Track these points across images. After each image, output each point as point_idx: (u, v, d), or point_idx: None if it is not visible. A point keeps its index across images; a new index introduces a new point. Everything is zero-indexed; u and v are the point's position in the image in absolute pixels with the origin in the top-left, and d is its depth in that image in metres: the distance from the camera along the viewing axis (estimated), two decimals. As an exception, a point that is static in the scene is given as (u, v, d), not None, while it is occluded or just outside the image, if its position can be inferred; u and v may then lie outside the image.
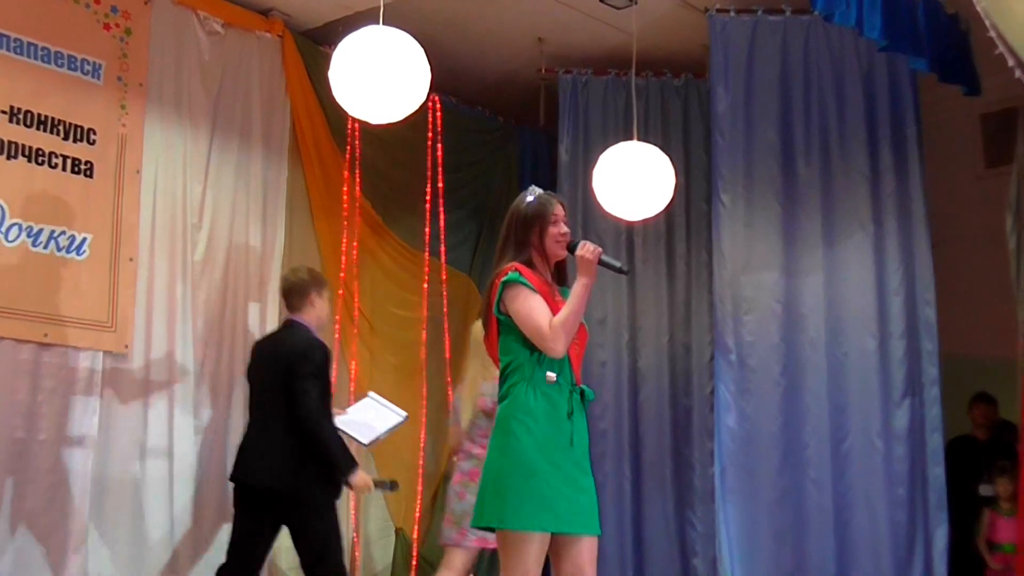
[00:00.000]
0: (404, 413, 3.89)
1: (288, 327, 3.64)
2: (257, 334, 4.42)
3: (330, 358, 3.47)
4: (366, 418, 3.61)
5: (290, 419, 3.33)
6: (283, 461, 3.29)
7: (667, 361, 5.00)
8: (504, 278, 2.40)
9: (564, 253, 2.50)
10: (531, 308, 2.36)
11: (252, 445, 3.40)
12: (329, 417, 3.40)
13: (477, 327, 3.39)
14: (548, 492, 2.28)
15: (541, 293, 2.41)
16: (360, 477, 3.34)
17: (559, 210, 2.53)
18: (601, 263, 2.42)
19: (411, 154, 5.18)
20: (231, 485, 3.53)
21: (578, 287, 2.39)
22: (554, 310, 2.40)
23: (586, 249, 2.42)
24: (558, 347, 2.33)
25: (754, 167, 4.68)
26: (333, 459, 3.29)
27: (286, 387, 3.35)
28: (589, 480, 2.38)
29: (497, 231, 5.72)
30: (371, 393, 3.94)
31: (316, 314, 3.62)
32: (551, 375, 2.36)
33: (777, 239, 4.53)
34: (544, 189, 2.58)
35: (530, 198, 2.50)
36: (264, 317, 4.49)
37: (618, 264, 2.43)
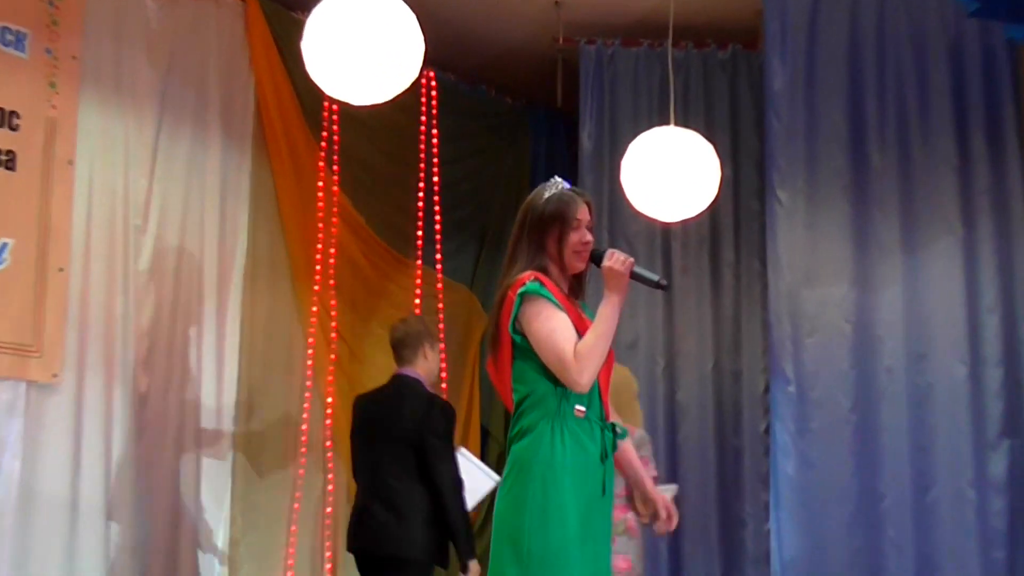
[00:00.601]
0: (497, 476, 4.00)
1: (401, 382, 3.85)
2: (213, 360, 4.51)
3: (455, 418, 3.77)
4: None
5: (420, 485, 3.58)
6: (415, 532, 3.54)
7: (711, 393, 5.02)
8: (522, 289, 2.36)
9: (584, 265, 2.46)
10: (553, 329, 2.33)
11: (377, 514, 3.61)
12: (462, 487, 3.63)
13: (621, 373, 3.52)
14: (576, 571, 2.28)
15: (567, 309, 2.38)
16: (476, 566, 3.59)
17: (584, 212, 2.49)
18: (634, 276, 2.38)
19: (400, 142, 5.23)
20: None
21: (606, 306, 2.36)
22: (581, 330, 2.37)
23: (615, 260, 2.38)
24: (583, 379, 2.30)
25: (818, 156, 4.62)
26: (460, 536, 3.56)
27: (415, 451, 3.57)
28: (608, 548, 2.38)
29: (505, 235, 5.76)
30: (461, 449, 4.07)
31: (428, 368, 3.90)
32: (580, 409, 2.34)
33: (846, 244, 4.52)
34: (563, 181, 2.55)
35: (550, 193, 2.47)
36: (222, 340, 4.50)
37: (655, 277, 2.39)
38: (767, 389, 4.77)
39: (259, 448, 4.65)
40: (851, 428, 4.33)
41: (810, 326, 4.44)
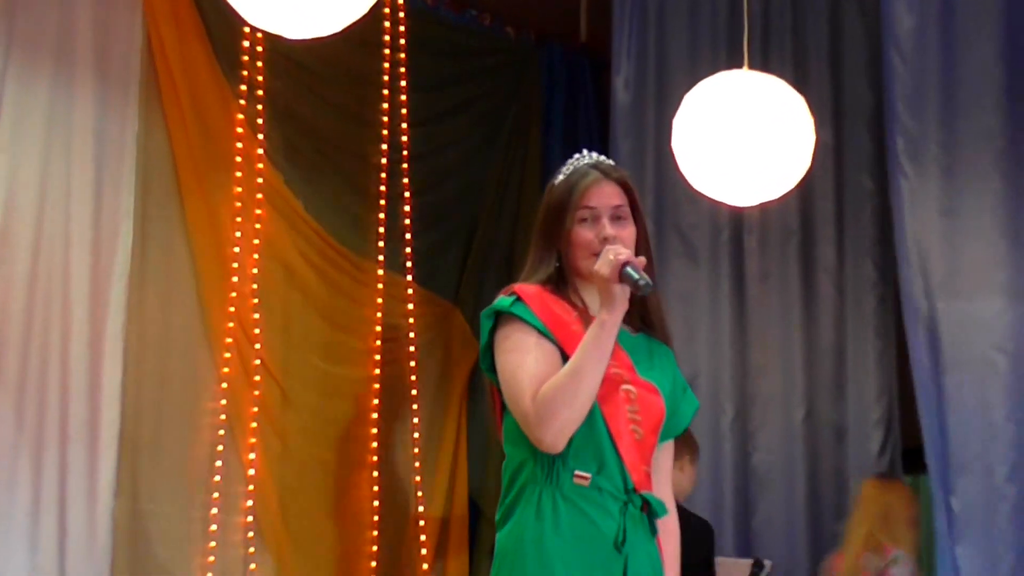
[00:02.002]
0: None
1: None
2: (83, 404, 4.50)
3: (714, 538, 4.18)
4: None
5: None
6: None
7: (804, 452, 5.02)
8: (489, 308, 2.45)
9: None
10: (517, 365, 2.38)
11: None
12: None
13: (896, 492, 3.96)
14: None
15: (561, 331, 2.40)
16: None
17: (597, 195, 2.49)
18: (623, 279, 2.36)
19: (355, 93, 5.29)
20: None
21: (592, 327, 2.36)
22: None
23: (604, 259, 2.38)
24: (547, 435, 2.33)
25: (958, 115, 4.50)
26: None
27: None
28: None
29: (502, 226, 5.96)
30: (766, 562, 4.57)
31: (682, 483, 4.29)
32: (581, 475, 2.38)
33: (999, 239, 4.42)
34: (592, 153, 2.57)
35: (561, 176, 2.53)
36: (98, 363, 4.55)
37: (635, 276, 2.35)
38: (884, 449, 4.79)
39: (149, 532, 4.62)
40: (1009, 506, 4.26)
41: (951, 356, 4.37)
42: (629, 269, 2.34)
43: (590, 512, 2.36)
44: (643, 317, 2.53)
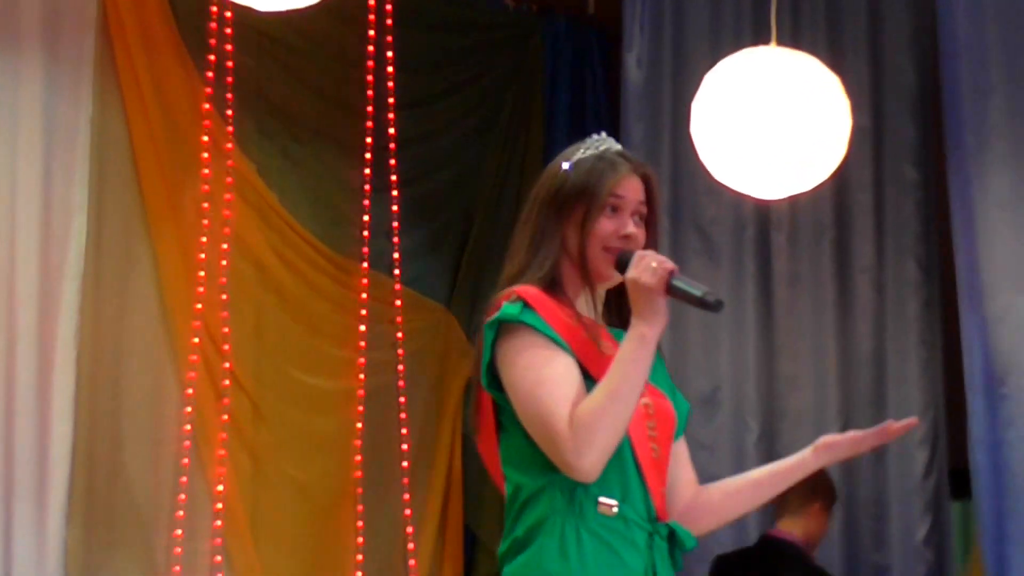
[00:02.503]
0: None
1: (773, 546, 4.55)
2: (33, 402, 4.46)
3: None
4: None
5: None
6: None
7: (838, 475, 4.94)
8: (496, 315, 2.42)
9: (610, 271, 2.49)
10: (539, 381, 2.38)
11: None
12: None
13: None
14: None
15: (573, 342, 2.42)
16: None
17: (630, 188, 2.51)
18: (672, 291, 2.37)
19: (336, 72, 5.26)
20: None
21: (629, 343, 2.38)
22: (600, 376, 2.40)
23: (643, 266, 2.39)
24: (584, 462, 2.34)
25: None
26: None
27: None
28: None
29: (502, 222, 5.93)
30: None
31: (811, 530, 4.60)
32: (607, 503, 2.38)
33: None
34: (610, 139, 2.60)
35: (583, 155, 2.53)
36: (47, 373, 4.50)
37: (700, 293, 2.37)
38: (929, 471, 4.74)
39: (105, 564, 4.63)
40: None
41: (1004, 372, 4.37)
42: (681, 282, 2.36)
43: (616, 546, 2.37)
44: (621, 309, 2.52)
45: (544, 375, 2.35)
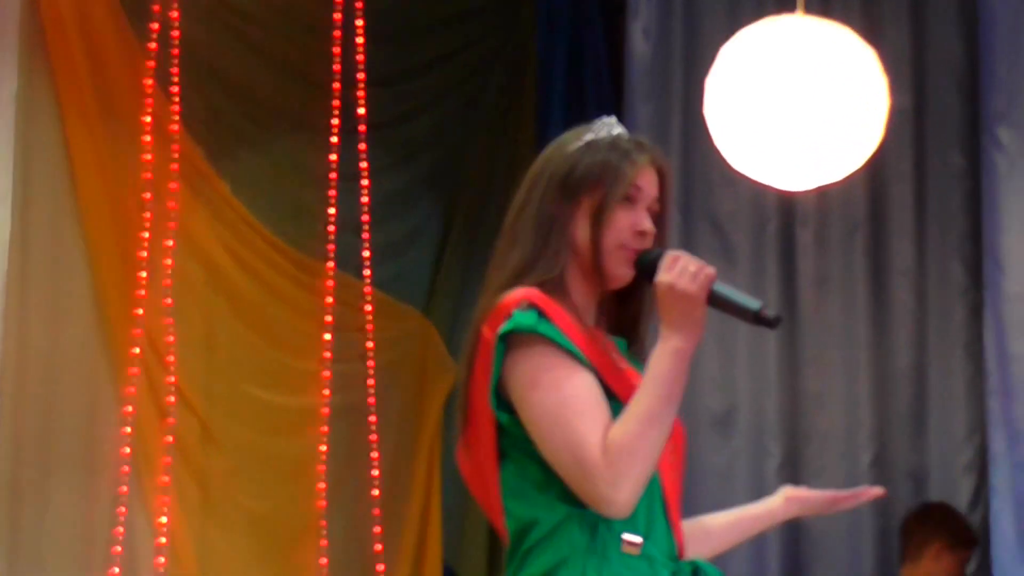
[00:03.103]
0: None
1: None
2: None
3: None
4: None
5: None
6: None
7: (872, 506, 4.98)
8: (507, 326, 2.41)
9: (628, 271, 2.52)
10: (564, 402, 2.39)
11: None
12: None
13: None
14: None
15: (591, 356, 2.44)
16: None
17: (648, 179, 2.54)
18: (715, 302, 2.40)
19: (296, 42, 5.24)
20: None
21: (663, 358, 2.41)
22: (620, 394, 2.43)
23: (678, 270, 2.41)
24: (620, 495, 2.36)
25: None
26: None
27: None
28: None
29: (489, 213, 5.94)
30: None
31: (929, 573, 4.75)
32: (632, 540, 2.41)
33: None
34: (620, 124, 2.62)
35: (596, 136, 2.55)
36: None
37: (755, 306, 2.41)
38: (976, 501, 4.77)
39: None
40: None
41: None
42: (724, 289, 2.38)
43: None
44: (622, 320, 2.55)
45: (568, 396, 2.36)
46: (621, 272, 2.47)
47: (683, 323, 2.37)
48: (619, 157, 2.49)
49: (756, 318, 2.38)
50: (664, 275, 2.38)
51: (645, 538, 2.39)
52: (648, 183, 2.50)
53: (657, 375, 2.35)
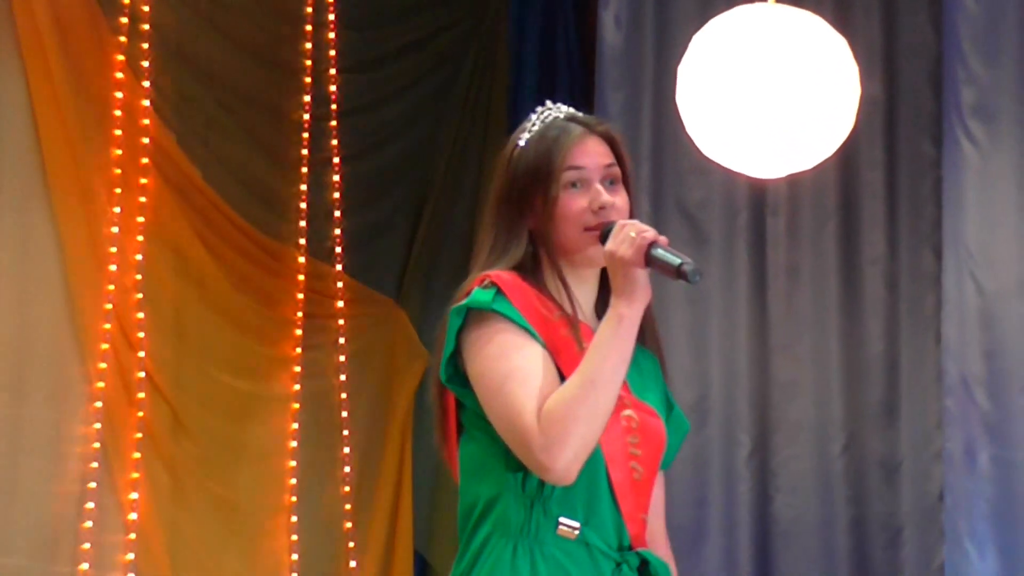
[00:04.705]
0: None
1: None
2: None
3: None
4: None
5: None
6: None
7: (843, 495, 5.02)
8: (464, 301, 2.45)
9: (599, 250, 2.50)
10: (507, 373, 2.40)
11: None
12: None
13: None
14: None
15: (547, 337, 2.45)
16: None
17: (584, 153, 2.54)
18: (652, 262, 2.42)
19: (267, 27, 5.24)
20: None
21: (606, 324, 2.42)
22: None
23: (623, 236, 2.42)
24: (557, 462, 2.35)
25: None
26: None
27: None
28: None
29: (461, 200, 5.95)
30: None
31: None
32: (568, 524, 2.41)
33: None
34: (567, 106, 2.62)
35: (528, 134, 2.57)
36: None
37: (676, 261, 2.41)
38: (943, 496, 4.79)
39: None
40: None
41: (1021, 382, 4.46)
42: (660, 250, 2.38)
43: (574, 572, 2.39)
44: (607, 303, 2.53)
45: (514, 365, 2.37)
46: (595, 254, 2.48)
47: (625, 288, 2.38)
48: (549, 146, 2.49)
49: (677, 273, 2.38)
50: (609, 243, 2.40)
51: (584, 524, 2.40)
52: (590, 155, 2.50)
53: (597, 342, 2.36)
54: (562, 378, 2.40)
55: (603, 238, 2.45)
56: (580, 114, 2.57)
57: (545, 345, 2.41)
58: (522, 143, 2.52)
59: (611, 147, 2.51)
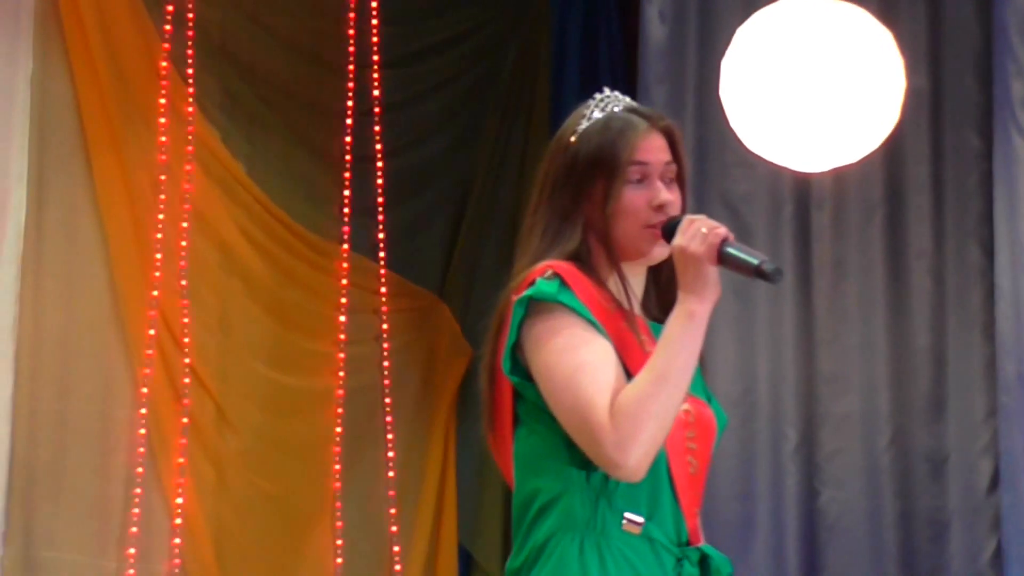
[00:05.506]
0: None
1: None
2: None
3: None
4: None
5: None
6: None
7: (889, 489, 5.03)
8: (527, 292, 2.43)
9: (661, 249, 2.50)
10: (577, 366, 2.39)
11: None
12: None
13: None
14: None
15: (610, 331, 2.44)
16: None
17: (651, 148, 2.52)
18: (724, 260, 2.41)
19: (309, 24, 5.26)
20: None
21: (677, 321, 2.41)
22: (640, 369, 2.42)
23: (692, 232, 2.41)
24: (628, 458, 2.35)
25: None
26: None
27: None
28: None
29: (501, 198, 5.85)
30: None
31: None
32: (633, 519, 2.40)
33: None
34: (617, 93, 2.61)
35: (589, 121, 2.54)
36: None
37: (756, 261, 2.40)
38: (995, 483, 4.81)
39: None
40: None
41: None
42: (734, 248, 2.38)
43: (642, 571, 2.39)
44: (660, 298, 2.53)
45: (582, 359, 2.36)
46: (652, 251, 2.48)
47: (695, 285, 2.37)
48: (615, 138, 2.48)
49: (757, 272, 2.37)
50: (677, 239, 2.39)
51: (648, 519, 2.39)
52: (653, 151, 2.48)
53: (668, 338, 2.36)
54: (626, 372, 2.39)
55: (667, 234, 2.44)
56: (641, 106, 2.54)
57: (609, 339, 2.41)
58: (582, 130, 2.50)
59: (670, 143, 2.49)
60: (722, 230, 2.38)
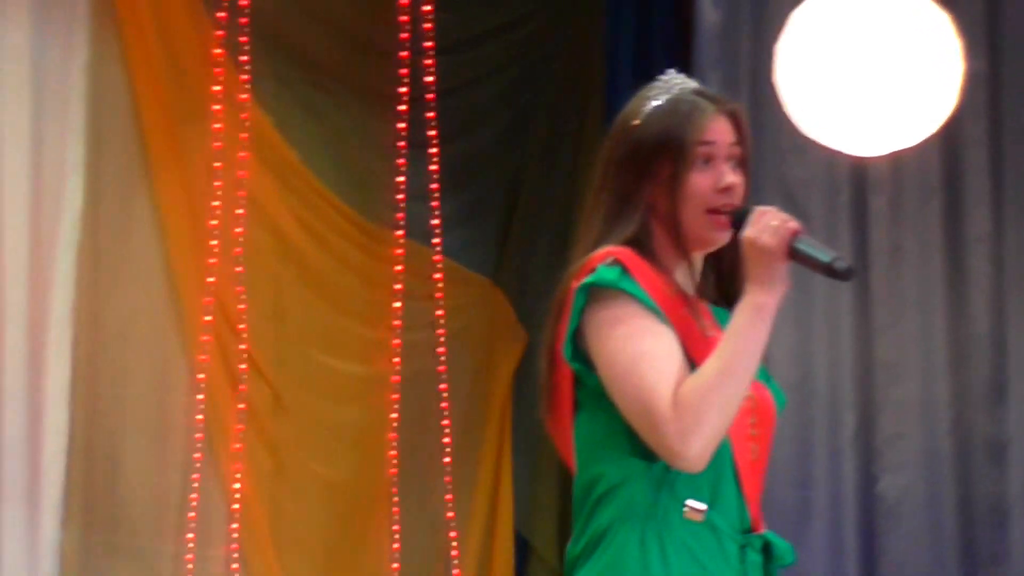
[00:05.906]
0: None
1: None
2: (23, 389, 4.56)
3: None
4: None
5: None
6: None
7: (949, 475, 5.02)
8: (589, 278, 2.42)
9: (724, 235, 2.49)
10: (640, 354, 2.38)
11: None
12: None
13: None
14: None
15: (673, 319, 2.43)
16: None
17: (718, 130, 2.50)
18: (795, 255, 2.38)
19: (363, 11, 5.29)
20: None
21: (744, 312, 2.40)
22: (702, 357, 2.41)
23: (763, 225, 2.39)
24: (690, 448, 2.35)
25: None
26: None
27: None
28: None
29: (557, 180, 5.89)
30: None
31: None
32: (695, 507, 2.40)
33: None
34: (682, 75, 2.60)
35: (656, 100, 2.52)
36: (39, 357, 4.58)
37: (828, 257, 2.38)
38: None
39: (106, 572, 4.72)
40: None
41: None
42: (805, 243, 2.37)
43: (704, 559, 2.39)
44: (722, 286, 2.52)
45: (645, 348, 2.35)
46: (714, 237, 2.47)
47: (764, 277, 2.36)
48: (682, 119, 2.46)
49: (828, 270, 2.36)
50: (748, 230, 2.37)
51: (710, 507, 2.39)
52: (720, 133, 2.46)
53: (735, 329, 2.35)
54: (686, 358, 2.39)
55: (736, 223, 2.43)
56: (707, 89, 2.53)
57: (672, 325, 2.40)
58: (647, 112, 2.49)
59: (735, 127, 2.47)
60: (793, 224, 2.36)
